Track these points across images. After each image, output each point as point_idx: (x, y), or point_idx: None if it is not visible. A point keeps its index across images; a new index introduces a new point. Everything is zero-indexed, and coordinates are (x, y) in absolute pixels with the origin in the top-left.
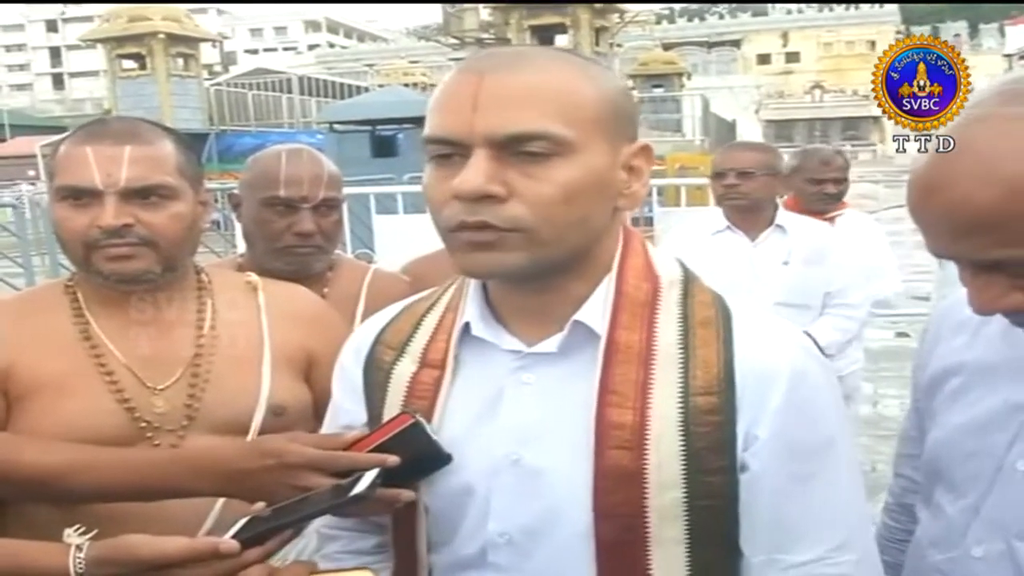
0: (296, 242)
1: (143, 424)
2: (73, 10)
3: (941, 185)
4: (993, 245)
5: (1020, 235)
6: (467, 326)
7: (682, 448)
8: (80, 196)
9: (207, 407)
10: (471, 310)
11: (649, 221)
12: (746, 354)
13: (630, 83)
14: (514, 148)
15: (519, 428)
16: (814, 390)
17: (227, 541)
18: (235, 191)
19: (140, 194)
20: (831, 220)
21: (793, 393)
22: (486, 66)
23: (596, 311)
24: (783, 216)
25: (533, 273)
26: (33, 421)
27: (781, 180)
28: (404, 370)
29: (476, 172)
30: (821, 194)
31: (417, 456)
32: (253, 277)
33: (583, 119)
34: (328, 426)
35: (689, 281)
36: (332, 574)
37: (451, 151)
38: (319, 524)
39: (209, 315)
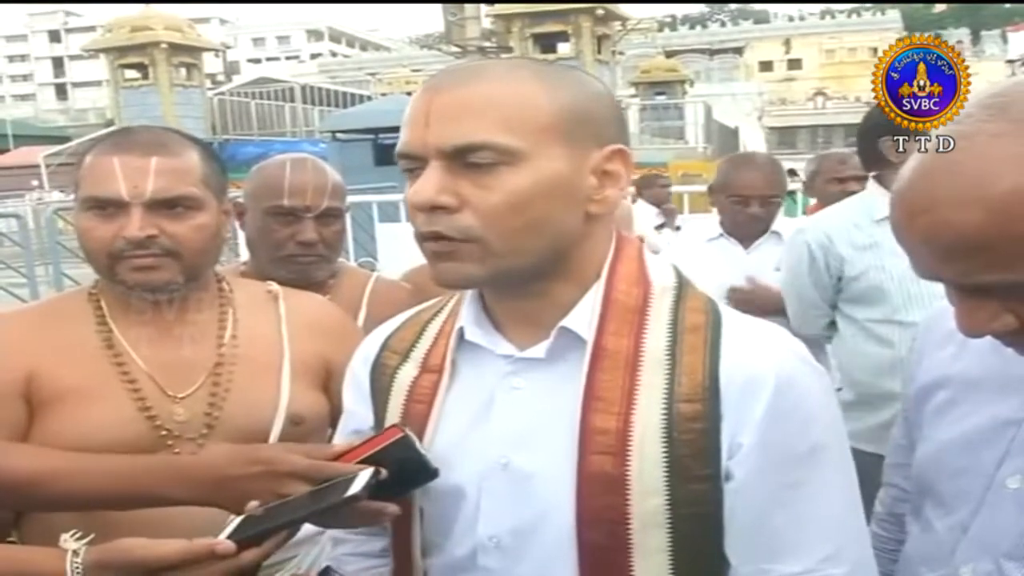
0: (298, 251)
1: (164, 432)
2: (76, 20)
3: (923, 208)
4: (979, 269)
5: (1007, 258)
6: (461, 331)
7: (664, 455)
8: (106, 207)
9: (227, 416)
10: (466, 315)
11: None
12: (732, 361)
13: (632, 91)
14: (463, 160)
15: (509, 432)
16: (802, 397)
17: (223, 542)
18: (239, 199)
19: (165, 205)
20: None
21: (779, 400)
22: (440, 82)
23: (584, 317)
24: (779, 222)
25: (495, 282)
26: (55, 428)
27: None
28: (406, 374)
29: (427, 184)
30: (845, 192)
31: (404, 469)
32: (274, 286)
33: (533, 127)
34: (340, 431)
35: (683, 287)
36: None
37: (414, 165)
38: (331, 529)
39: (230, 324)
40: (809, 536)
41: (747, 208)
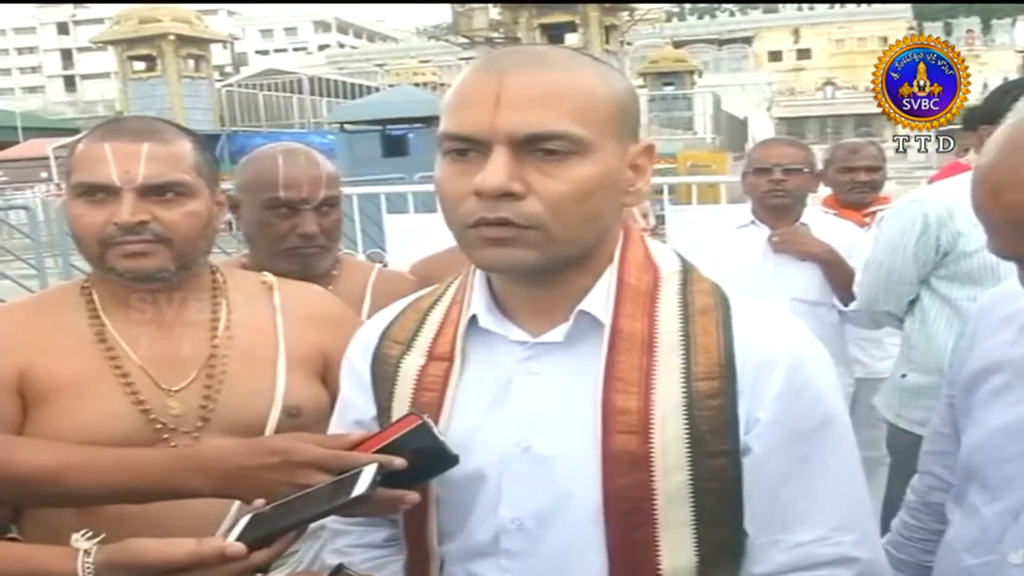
0: (300, 243)
1: (159, 426)
2: (84, 12)
3: (1008, 185)
4: None
5: None
6: (474, 319)
7: (686, 431)
8: (97, 193)
9: (222, 408)
10: (478, 303)
11: (661, 219)
12: (745, 341)
13: (640, 81)
14: (533, 146)
15: (528, 417)
16: (811, 375)
17: (233, 544)
18: (232, 193)
19: (157, 191)
20: (871, 215)
21: (792, 378)
22: (506, 65)
23: (600, 301)
24: (809, 214)
25: (546, 269)
26: (50, 423)
27: (815, 178)
28: (412, 364)
29: (498, 170)
30: (853, 183)
31: (424, 457)
32: (269, 277)
33: (598, 119)
34: (336, 422)
35: (687, 271)
36: None
37: (469, 147)
38: (329, 519)
39: (224, 316)
40: (820, 506)
41: (769, 176)
